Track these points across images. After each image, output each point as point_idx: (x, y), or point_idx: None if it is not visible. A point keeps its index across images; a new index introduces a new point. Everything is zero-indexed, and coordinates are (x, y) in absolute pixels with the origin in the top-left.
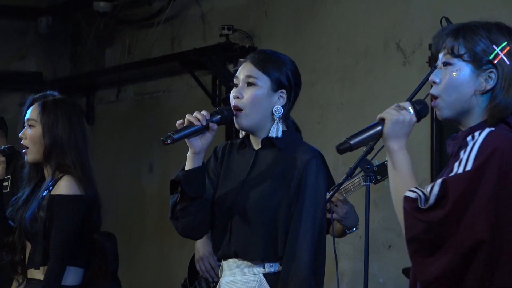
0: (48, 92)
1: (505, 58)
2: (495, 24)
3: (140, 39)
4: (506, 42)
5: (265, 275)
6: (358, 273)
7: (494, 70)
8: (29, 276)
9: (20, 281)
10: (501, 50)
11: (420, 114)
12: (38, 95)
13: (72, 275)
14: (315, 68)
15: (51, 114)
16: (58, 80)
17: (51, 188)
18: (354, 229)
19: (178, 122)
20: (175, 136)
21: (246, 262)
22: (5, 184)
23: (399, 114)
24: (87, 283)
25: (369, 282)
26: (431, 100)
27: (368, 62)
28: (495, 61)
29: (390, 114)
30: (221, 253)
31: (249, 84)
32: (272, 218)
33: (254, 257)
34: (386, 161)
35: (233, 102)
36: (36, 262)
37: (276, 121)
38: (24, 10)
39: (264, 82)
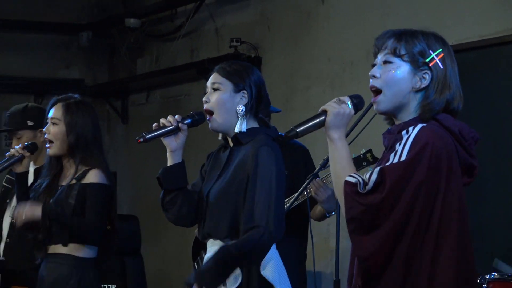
0: (69, 94)
1: (439, 63)
2: (432, 33)
3: (164, 50)
4: (441, 49)
5: None
6: (345, 251)
7: (428, 71)
8: (50, 251)
9: (41, 256)
10: (437, 55)
11: (357, 107)
12: (61, 96)
13: (89, 250)
14: (309, 75)
15: (73, 114)
16: (98, 86)
17: (78, 178)
18: (333, 213)
19: (154, 124)
20: (147, 136)
21: (217, 241)
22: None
23: (340, 107)
24: (101, 257)
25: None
26: (373, 96)
27: (353, 70)
28: (431, 64)
29: (332, 107)
30: (200, 235)
31: (215, 90)
32: (233, 203)
33: (221, 237)
34: (355, 156)
35: (204, 106)
36: (64, 238)
37: (239, 118)
38: (68, 26)
39: (226, 85)
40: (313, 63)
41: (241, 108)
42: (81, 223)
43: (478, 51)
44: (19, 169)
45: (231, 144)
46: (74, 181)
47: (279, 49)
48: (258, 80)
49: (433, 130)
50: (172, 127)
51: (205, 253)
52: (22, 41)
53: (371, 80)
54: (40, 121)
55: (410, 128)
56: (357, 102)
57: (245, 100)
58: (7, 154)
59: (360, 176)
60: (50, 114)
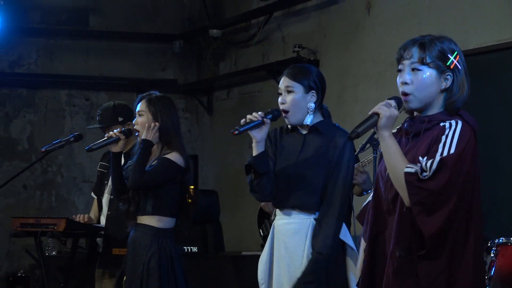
0: (152, 91)
1: (458, 64)
2: (444, 37)
3: (241, 55)
4: (456, 52)
5: (316, 220)
6: None
7: (450, 73)
8: (138, 221)
9: (131, 225)
10: (454, 57)
11: (399, 108)
12: (145, 93)
13: (168, 222)
14: (358, 75)
15: (155, 105)
16: (188, 85)
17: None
18: (370, 191)
19: (242, 120)
20: (241, 129)
21: (302, 211)
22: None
23: (390, 111)
24: (178, 227)
25: None
26: (403, 96)
27: (393, 70)
28: (452, 67)
29: (384, 111)
30: (282, 206)
31: (289, 92)
32: (319, 183)
33: (308, 209)
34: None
35: (281, 106)
36: (148, 210)
37: (309, 113)
38: (164, 36)
39: (298, 88)
40: (361, 64)
41: (311, 105)
42: (140, 177)
43: (495, 53)
44: (114, 149)
45: (303, 131)
46: (156, 162)
47: (333, 53)
48: (321, 77)
49: (469, 126)
50: (258, 121)
51: (272, 219)
52: (128, 49)
53: (403, 86)
54: (128, 115)
55: (452, 123)
56: (399, 103)
57: (314, 99)
58: (106, 135)
59: (415, 166)
60: (137, 109)
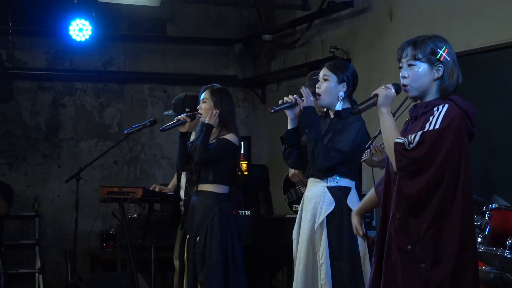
0: (214, 84)
1: (446, 56)
2: (435, 35)
3: (288, 55)
4: (445, 46)
5: (328, 187)
6: None
7: (441, 65)
8: (199, 189)
9: (192, 191)
10: (443, 51)
11: (397, 91)
12: (209, 85)
13: (224, 188)
14: (381, 71)
15: (217, 95)
16: (246, 79)
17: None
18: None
19: (280, 101)
20: (276, 108)
21: (317, 180)
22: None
23: (387, 91)
24: (231, 193)
25: None
26: (403, 87)
27: None
28: (441, 59)
29: (381, 91)
30: (306, 175)
31: (324, 80)
32: (333, 154)
33: (320, 177)
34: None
35: (316, 90)
36: (209, 179)
37: (339, 101)
38: (226, 40)
39: (332, 78)
40: (384, 62)
41: (341, 94)
42: (204, 153)
43: (495, 52)
44: (182, 129)
45: (331, 115)
46: (214, 140)
47: (362, 53)
48: (354, 73)
49: (456, 108)
50: (292, 102)
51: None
52: (198, 51)
53: (402, 79)
54: (195, 105)
55: (440, 106)
56: (397, 87)
57: (344, 89)
58: (175, 118)
59: (405, 138)
60: (202, 96)
